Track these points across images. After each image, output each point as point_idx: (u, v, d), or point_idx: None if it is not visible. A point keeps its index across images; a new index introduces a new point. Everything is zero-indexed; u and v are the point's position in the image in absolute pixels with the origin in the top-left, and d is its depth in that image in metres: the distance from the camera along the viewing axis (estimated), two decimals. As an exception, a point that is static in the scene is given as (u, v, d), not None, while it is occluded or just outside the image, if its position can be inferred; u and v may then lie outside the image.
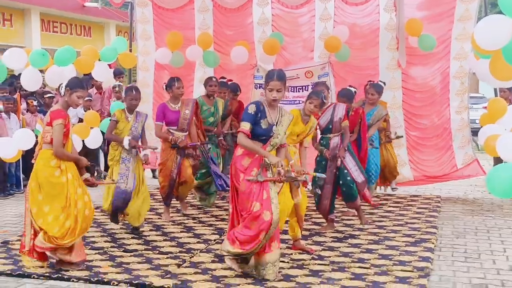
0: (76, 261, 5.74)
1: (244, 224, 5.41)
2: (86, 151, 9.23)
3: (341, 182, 7.32)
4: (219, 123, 8.77)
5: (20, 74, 8.31)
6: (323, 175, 6.63)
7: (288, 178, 5.59)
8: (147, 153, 7.28)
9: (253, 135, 5.48)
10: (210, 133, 8.59)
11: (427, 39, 9.30)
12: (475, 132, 9.08)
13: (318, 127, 7.28)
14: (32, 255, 5.73)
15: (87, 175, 5.93)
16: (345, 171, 7.31)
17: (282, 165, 5.39)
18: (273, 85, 5.47)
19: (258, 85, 10.30)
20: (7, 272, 5.69)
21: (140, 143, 7.24)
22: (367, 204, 8.17)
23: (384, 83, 9.06)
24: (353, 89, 7.93)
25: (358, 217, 7.60)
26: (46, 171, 5.65)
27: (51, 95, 10.60)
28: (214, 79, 8.74)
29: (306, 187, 6.66)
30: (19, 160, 9.78)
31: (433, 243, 6.71)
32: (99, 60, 8.77)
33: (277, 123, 5.56)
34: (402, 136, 9.46)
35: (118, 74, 11.77)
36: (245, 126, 5.44)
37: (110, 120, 7.31)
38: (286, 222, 6.46)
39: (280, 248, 5.72)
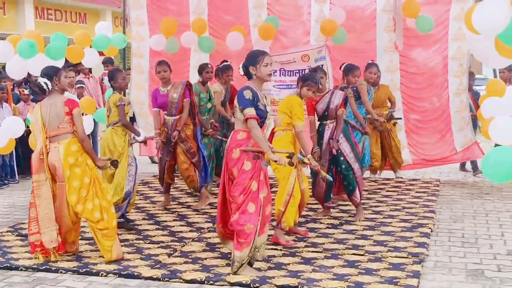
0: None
1: (241, 211, 5.20)
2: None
3: (339, 169, 7.19)
4: (217, 110, 8.64)
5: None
6: (331, 178, 6.39)
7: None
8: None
9: None
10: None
11: (425, 20, 9.12)
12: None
13: (315, 113, 7.17)
14: (63, 250, 5.74)
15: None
16: (341, 158, 7.12)
17: (283, 163, 5.31)
18: (268, 59, 5.39)
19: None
20: (-6, 264, 5.61)
21: None
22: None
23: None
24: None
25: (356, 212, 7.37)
26: (77, 163, 5.69)
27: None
28: (210, 66, 8.63)
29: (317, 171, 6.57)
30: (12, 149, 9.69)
31: (430, 228, 6.60)
32: (90, 46, 8.66)
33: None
34: (400, 118, 9.25)
35: (106, 62, 11.61)
36: (251, 111, 5.26)
37: (118, 105, 6.87)
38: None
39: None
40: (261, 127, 5.45)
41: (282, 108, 6.46)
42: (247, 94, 5.33)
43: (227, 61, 9.01)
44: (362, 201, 7.93)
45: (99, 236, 5.65)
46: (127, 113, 6.92)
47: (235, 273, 5.19)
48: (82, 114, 8.89)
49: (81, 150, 5.72)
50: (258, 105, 5.37)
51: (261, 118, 5.40)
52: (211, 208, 7.79)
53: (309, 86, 6.48)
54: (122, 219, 6.78)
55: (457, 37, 9.30)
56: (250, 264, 5.32)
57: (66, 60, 8.49)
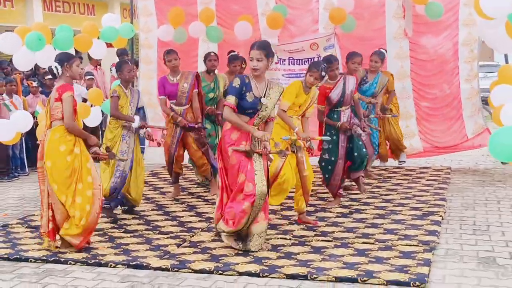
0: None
1: (231, 198, 5.46)
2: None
3: (356, 154, 7.27)
4: (220, 100, 8.56)
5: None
6: (328, 138, 6.55)
7: (275, 151, 5.68)
8: (148, 129, 7.14)
9: (239, 108, 5.46)
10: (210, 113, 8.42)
11: (435, 6, 8.99)
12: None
13: (327, 101, 7.16)
14: (52, 237, 5.71)
15: (96, 148, 5.95)
16: (360, 142, 7.33)
17: (267, 139, 5.40)
18: (253, 54, 5.42)
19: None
20: (4, 256, 5.61)
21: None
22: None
23: (386, 51, 8.82)
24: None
25: (357, 187, 7.63)
26: (57, 152, 5.57)
27: (52, 76, 10.45)
28: (213, 54, 8.57)
29: (312, 155, 6.65)
30: (22, 142, 9.73)
31: (440, 216, 6.54)
32: (98, 38, 8.64)
33: (264, 95, 5.50)
34: (396, 115, 9.09)
35: (121, 54, 11.57)
36: (230, 99, 5.43)
37: (111, 96, 6.91)
38: (291, 198, 6.38)
39: (269, 220, 5.79)
40: (251, 118, 5.49)
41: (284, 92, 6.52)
42: (235, 82, 5.45)
43: (234, 51, 8.95)
44: (372, 189, 7.98)
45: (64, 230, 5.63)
46: (122, 106, 6.87)
47: (216, 234, 5.59)
48: (91, 105, 8.94)
49: (66, 138, 5.61)
50: (246, 95, 5.41)
51: (247, 109, 5.46)
52: (220, 198, 7.76)
53: (311, 72, 6.51)
54: (108, 205, 6.71)
55: (467, 22, 9.19)
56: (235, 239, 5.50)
57: (76, 51, 8.49)
